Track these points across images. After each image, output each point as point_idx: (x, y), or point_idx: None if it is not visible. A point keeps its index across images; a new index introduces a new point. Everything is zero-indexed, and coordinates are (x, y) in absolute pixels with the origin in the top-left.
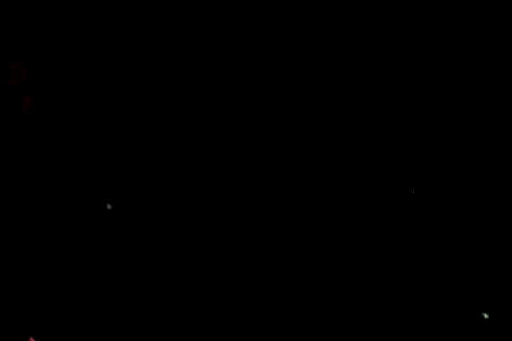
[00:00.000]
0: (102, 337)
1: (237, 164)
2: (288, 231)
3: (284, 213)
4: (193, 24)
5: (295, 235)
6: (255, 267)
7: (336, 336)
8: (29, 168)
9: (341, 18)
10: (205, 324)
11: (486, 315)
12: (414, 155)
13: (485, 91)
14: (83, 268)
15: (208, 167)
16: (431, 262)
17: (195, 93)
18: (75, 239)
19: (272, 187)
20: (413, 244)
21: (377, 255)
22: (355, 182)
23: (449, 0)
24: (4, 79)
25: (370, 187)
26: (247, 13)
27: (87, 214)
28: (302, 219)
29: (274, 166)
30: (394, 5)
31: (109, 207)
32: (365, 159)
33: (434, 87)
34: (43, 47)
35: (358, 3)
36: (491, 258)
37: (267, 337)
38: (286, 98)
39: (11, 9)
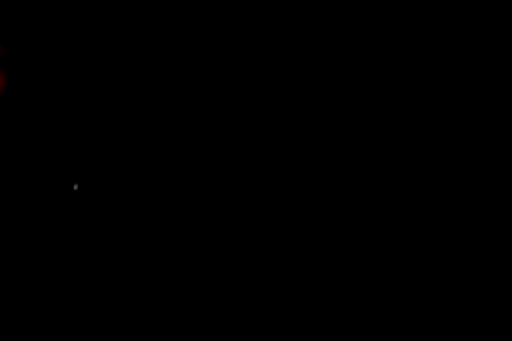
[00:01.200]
0: (102, 337)
1: (236, 164)
2: (288, 231)
3: (284, 213)
4: (192, 24)
5: (295, 235)
6: (255, 267)
7: (336, 336)
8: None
9: (341, 18)
10: (205, 324)
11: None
12: (415, 155)
13: (485, 92)
14: (82, 267)
15: (208, 167)
16: (431, 262)
17: (194, 93)
18: (72, 237)
19: (271, 187)
20: (413, 244)
21: (377, 255)
22: (354, 182)
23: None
24: None
25: (369, 187)
26: (247, 13)
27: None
28: (302, 218)
29: (274, 166)
30: (394, 5)
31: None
32: (364, 159)
33: (434, 87)
34: (21, 23)
35: (357, 3)
36: (490, 258)
37: (267, 337)
38: (286, 98)
39: None
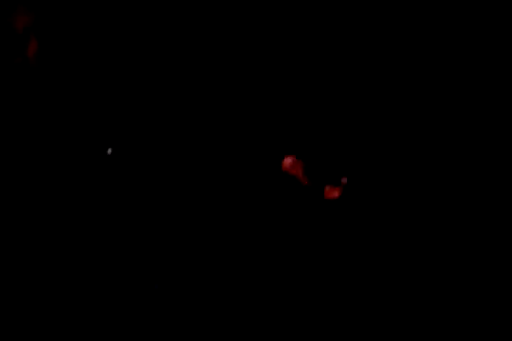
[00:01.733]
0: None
1: (236, 163)
2: (288, 230)
3: (284, 212)
4: (193, 24)
5: (295, 235)
6: (255, 267)
7: (336, 336)
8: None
9: (341, 18)
10: (205, 324)
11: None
12: (415, 155)
13: (485, 92)
14: (81, 267)
15: (208, 166)
16: (431, 262)
17: (195, 92)
18: (73, 236)
19: (271, 185)
20: (413, 245)
21: (378, 255)
22: (355, 182)
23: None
24: (9, 23)
25: (370, 187)
26: (247, 13)
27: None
28: (302, 218)
29: (274, 165)
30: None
31: (109, 151)
32: (365, 159)
33: (434, 87)
34: None
35: (358, 3)
36: (491, 258)
37: (267, 337)
38: (286, 98)
39: None
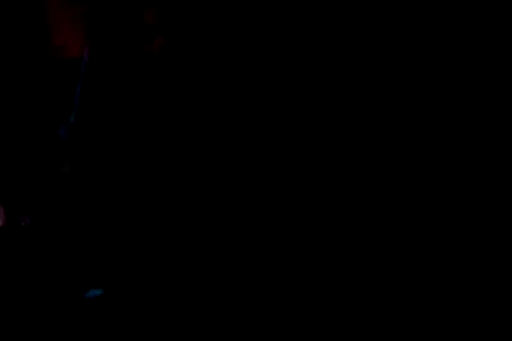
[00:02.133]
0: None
1: (237, 162)
2: (288, 230)
3: (284, 212)
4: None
5: (295, 234)
6: (255, 266)
7: (336, 336)
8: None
9: (341, 18)
10: (205, 324)
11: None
12: (415, 153)
13: (485, 91)
14: (84, 267)
15: (209, 165)
16: (431, 262)
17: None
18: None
19: (271, 184)
20: (413, 244)
21: (378, 254)
22: (355, 180)
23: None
24: (141, 16)
25: (369, 185)
26: (247, 14)
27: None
28: (302, 217)
29: (274, 165)
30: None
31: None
32: (364, 158)
33: (434, 87)
34: None
35: (358, 3)
36: (491, 258)
37: (267, 337)
38: (286, 98)
39: None
